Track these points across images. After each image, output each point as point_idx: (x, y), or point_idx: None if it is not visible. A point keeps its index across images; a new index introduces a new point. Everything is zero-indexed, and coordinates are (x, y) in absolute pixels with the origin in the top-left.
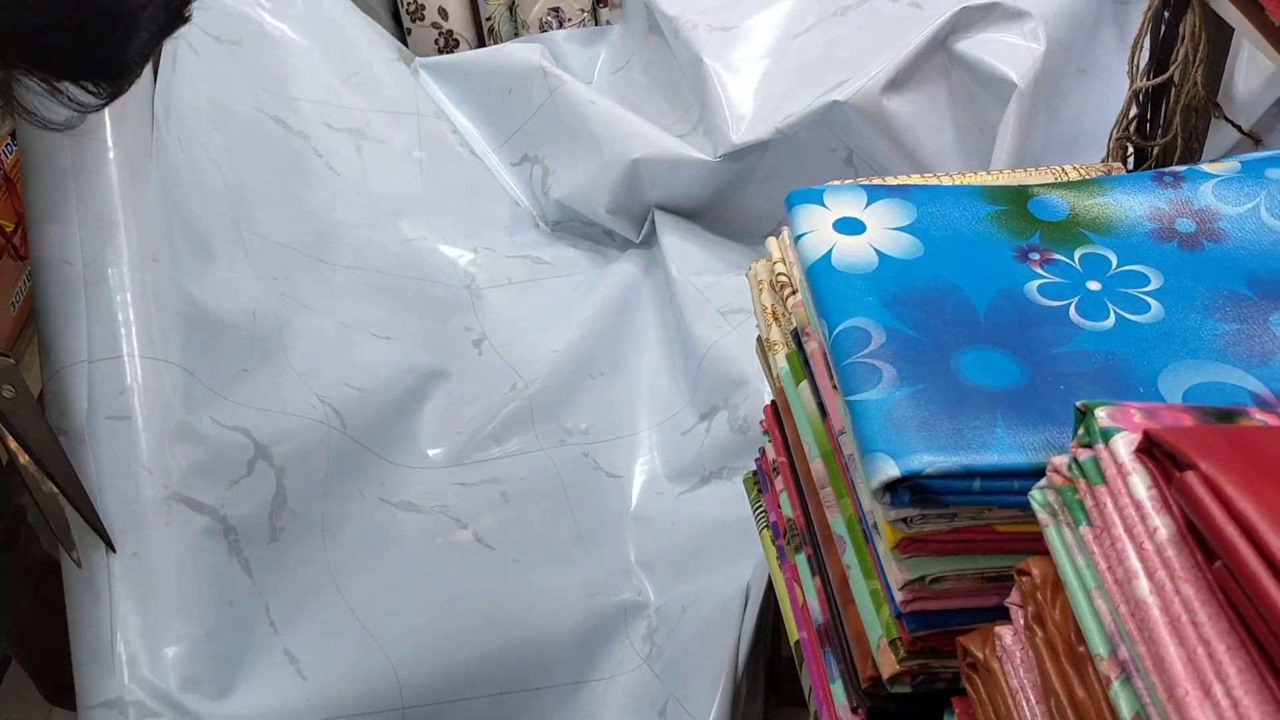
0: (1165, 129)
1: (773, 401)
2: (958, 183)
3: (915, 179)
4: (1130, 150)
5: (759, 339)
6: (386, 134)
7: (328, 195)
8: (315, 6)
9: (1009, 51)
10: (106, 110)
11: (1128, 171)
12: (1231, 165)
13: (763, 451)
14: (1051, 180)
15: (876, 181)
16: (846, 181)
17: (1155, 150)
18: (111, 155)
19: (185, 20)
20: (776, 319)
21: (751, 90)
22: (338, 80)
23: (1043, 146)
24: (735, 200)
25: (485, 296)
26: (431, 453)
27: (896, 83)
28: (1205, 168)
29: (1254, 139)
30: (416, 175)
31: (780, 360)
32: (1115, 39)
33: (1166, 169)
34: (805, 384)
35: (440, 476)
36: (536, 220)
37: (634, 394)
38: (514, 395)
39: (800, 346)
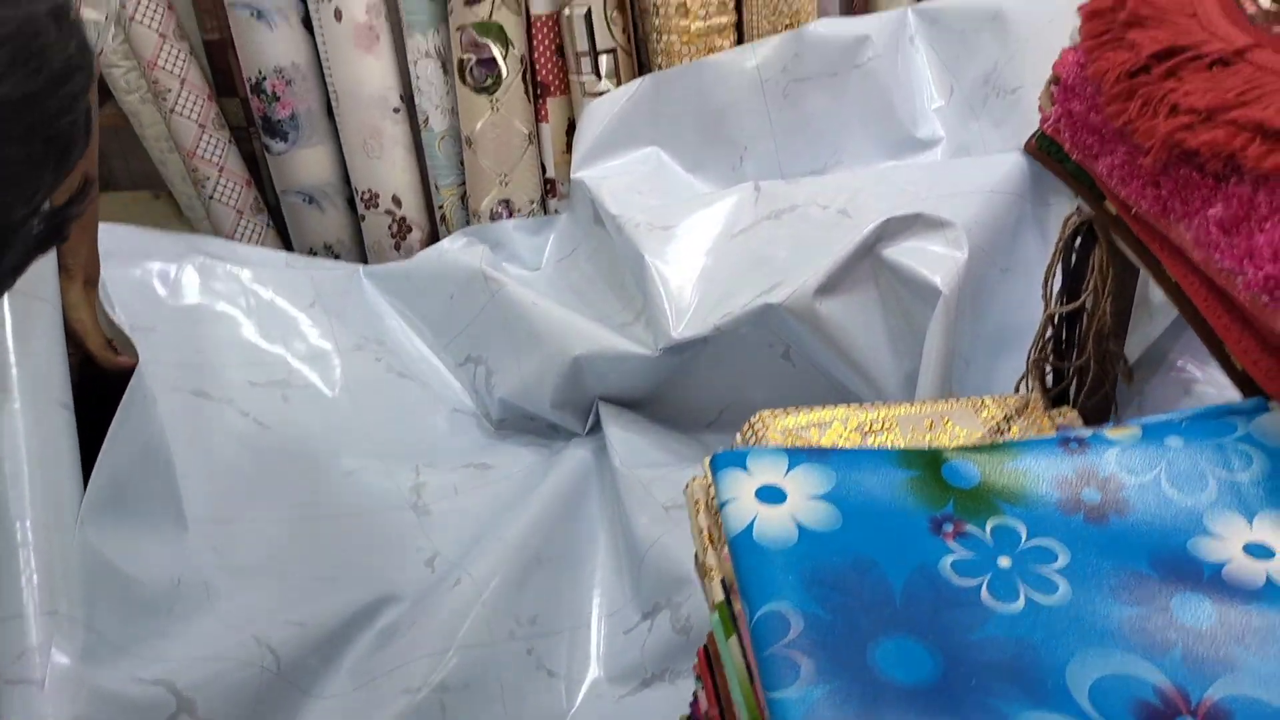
0: (1079, 351)
1: (705, 646)
2: (884, 415)
3: (841, 411)
4: (1048, 369)
5: (696, 556)
6: (312, 378)
7: (259, 449)
8: (231, 279)
9: (934, 259)
10: (14, 364)
11: (1046, 394)
12: (1133, 431)
13: (696, 696)
14: (971, 411)
15: (798, 444)
16: (768, 442)
17: (1071, 370)
18: (18, 405)
19: (64, 238)
20: (712, 541)
21: (691, 287)
22: (256, 337)
23: (971, 346)
24: (678, 391)
25: (433, 512)
26: (372, 678)
27: (828, 287)
28: (1109, 433)
29: (1128, 379)
30: (349, 408)
31: (716, 588)
32: (1038, 238)
33: (1072, 433)
34: (735, 640)
35: (381, 695)
36: (481, 420)
37: (582, 585)
38: (465, 593)
39: (729, 601)
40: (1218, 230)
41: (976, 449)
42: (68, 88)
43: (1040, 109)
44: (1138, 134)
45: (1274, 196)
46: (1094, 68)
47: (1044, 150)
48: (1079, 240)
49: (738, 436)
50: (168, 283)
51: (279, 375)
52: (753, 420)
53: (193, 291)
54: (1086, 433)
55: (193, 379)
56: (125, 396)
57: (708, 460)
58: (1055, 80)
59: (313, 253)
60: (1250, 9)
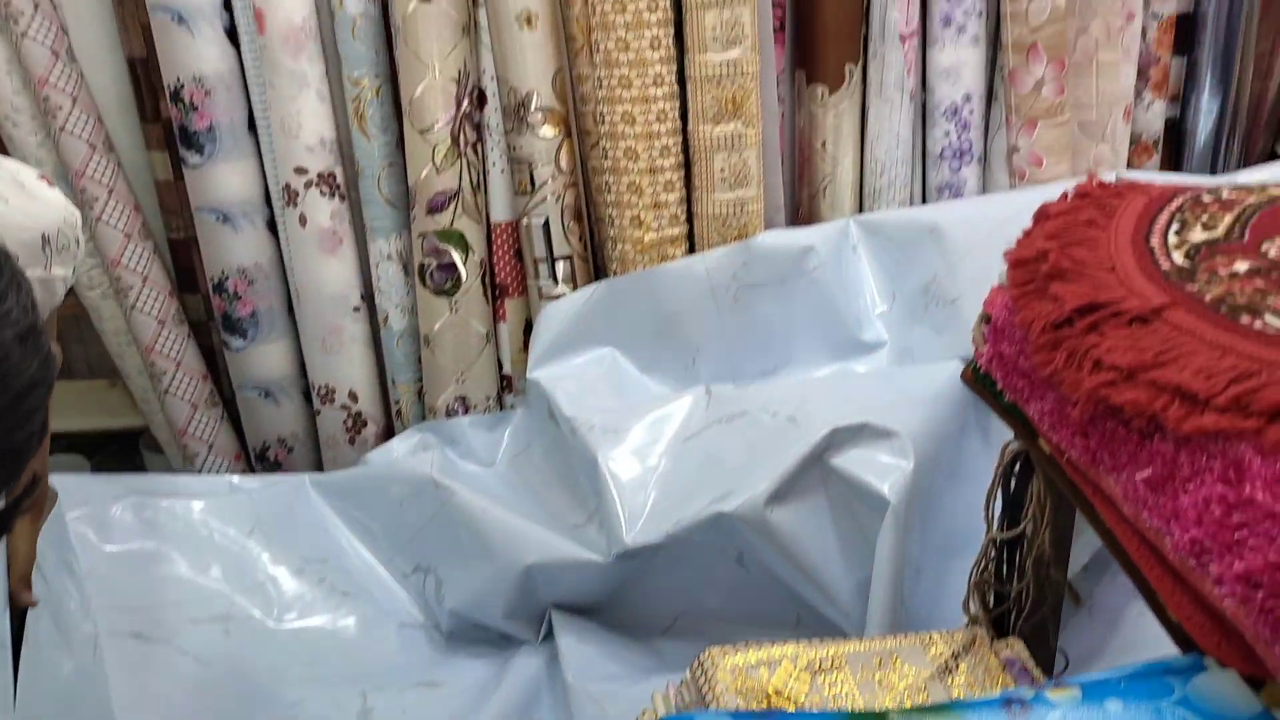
0: (1019, 576)
1: None
2: (833, 653)
3: (791, 649)
4: (990, 592)
5: None
6: (253, 609)
7: (200, 688)
8: (167, 515)
9: (881, 469)
10: None
11: (989, 614)
12: (1073, 693)
13: None
14: (920, 649)
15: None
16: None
17: (1012, 593)
18: None
19: (8, 529)
20: None
21: (644, 493)
22: (194, 573)
23: (921, 554)
24: (632, 596)
25: None
26: None
27: (779, 495)
28: (1050, 695)
29: (1075, 601)
30: (291, 637)
31: None
32: (982, 443)
33: (1015, 694)
34: None
35: None
36: (430, 632)
37: None
38: None
39: None
40: (1145, 488)
41: (923, 710)
42: (28, 403)
43: (974, 342)
44: (1064, 385)
45: (1195, 459)
46: (1020, 316)
47: (979, 383)
48: (1018, 466)
49: (686, 673)
50: (101, 527)
51: (219, 610)
52: (702, 658)
53: (127, 533)
54: (1029, 694)
55: (130, 621)
56: (26, 643)
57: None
58: (986, 319)
59: (266, 447)
60: (1164, 265)
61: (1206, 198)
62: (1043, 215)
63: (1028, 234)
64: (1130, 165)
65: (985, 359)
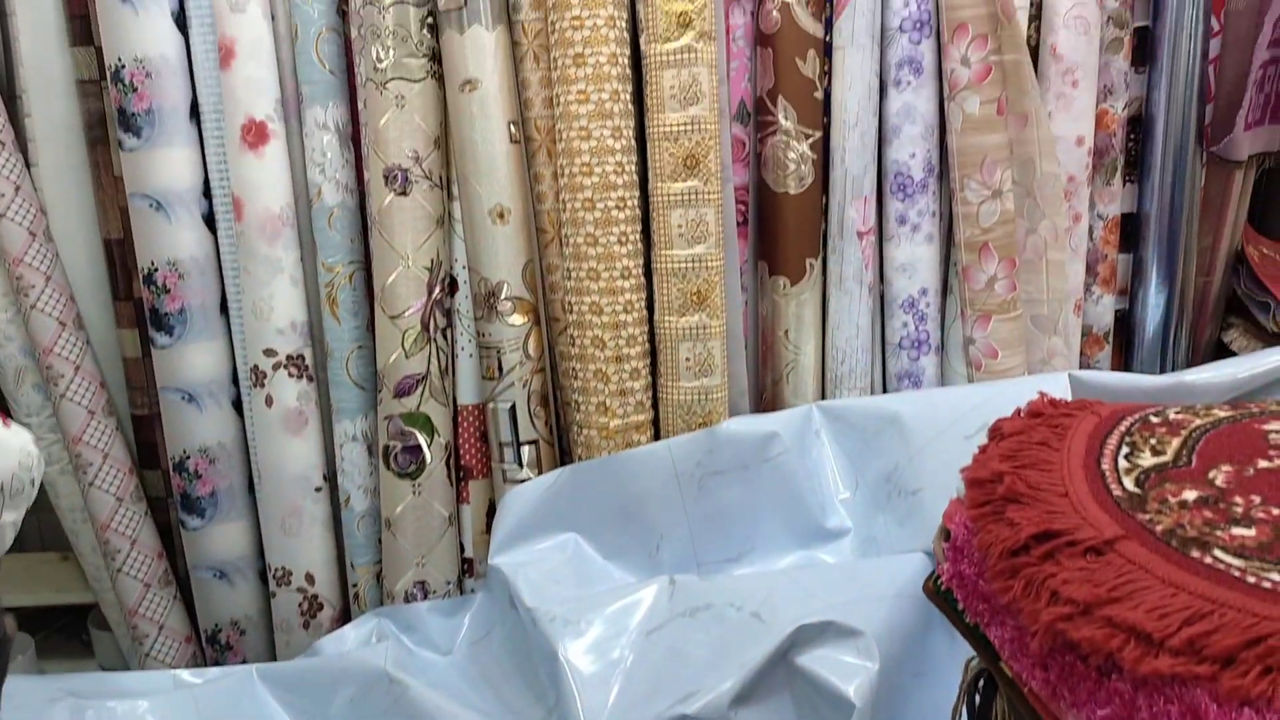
0: None
1: None
2: None
3: None
4: None
5: None
6: None
7: None
8: (113, 716)
9: (846, 670)
10: None
11: None
12: None
13: None
14: None
15: None
16: None
17: None
18: None
19: None
20: None
21: (606, 690)
22: None
23: None
24: None
25: None
26: None
27: (743, 697)
28: None
29: None
30: None
31: None
32: (947, 640)
33: None
34: None
35: None
36: None
37: None
38: None
39: None
40: None
41: None
42: None
43: (935, 554)
44: (1023, 615)
45: (1153, 700)
46: (979, 539)
47: (940, 597)
48: (981, 683)
49: None
50: None
51: None
52: None
53: None
54: None
55: None
56: None
57: None
58: (946, 535)
59: (218, 629)
60: (1116, 491)
61: (1154, 419)
62: (997, 433)
63: (984, 451)
64: (1082, 356)
65: (946, 576)
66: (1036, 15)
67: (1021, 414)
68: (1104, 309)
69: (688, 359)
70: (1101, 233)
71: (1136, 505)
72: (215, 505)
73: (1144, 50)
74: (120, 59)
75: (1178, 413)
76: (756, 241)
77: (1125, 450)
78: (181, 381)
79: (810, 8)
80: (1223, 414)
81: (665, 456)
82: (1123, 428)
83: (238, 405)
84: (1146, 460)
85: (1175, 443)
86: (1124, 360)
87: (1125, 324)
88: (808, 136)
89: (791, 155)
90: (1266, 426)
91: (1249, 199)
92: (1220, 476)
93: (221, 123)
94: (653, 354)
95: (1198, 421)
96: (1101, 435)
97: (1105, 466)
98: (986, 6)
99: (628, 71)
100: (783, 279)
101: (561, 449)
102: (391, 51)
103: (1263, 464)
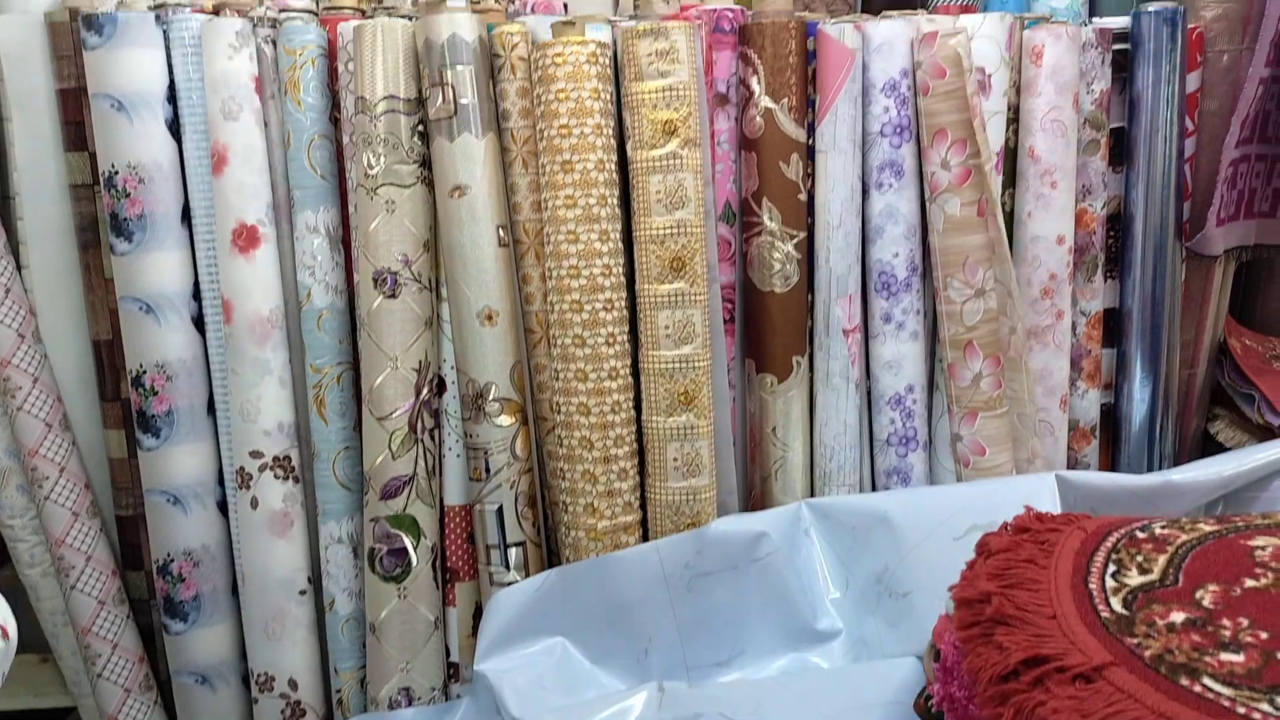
0: None
1: None
2: None
3: None
4: None
5: None
6: None
7: None
8: None
9: None
10: None
11: None
12: None
13: None
14: None
15: None
16: None
17: None
18: None
19: None
20: None
21: None
22: None
23: None
24: None
25: None
26: None
27: None
28: None
29: None
30: None
31: None
32: None
33: None
34: None
35: None
36: None
37: None
38: None
39: None
40: None
41: None
42: None
43: (925, 671)
44: None
45: None
46: (969, 663)
47: (933, 719)
48: None
49: None
50: None
51: None
52: None
53: None
54: None
55: None
56: None
57: None
58: (936, 655)
59: None
60: (1104, 612)
61: (1140, 534)
62: (984, 550)
63: (971, 568)
64: (1070, 451)
65: (938, 698)
66: (1014, 119)
67: (1008, 529)
68: (1090, 403)
69: (675, 459)
70: (1085, 328)
71: (1125, 628)
72: (199, 609)
73: (1121, 151)
74: (114, 165)
75: (1163, 527)
76: (743, 339)
77: (1112, 568)
78: (167, 484)
79: (793, 114)
80: (1208, 528)
81: (653, 558)
82: (1109, 544)
83: (223, 506)
84: (1134, 579)
85: (1162, 560)
86: (1111, 454)
87: (1111, 418)
88: (792, 237)
89: (776, 255)
90: (1252, 542)
91: (1229, 291)
92: (1208, 597)
93: (213, 226)
94: (640, 454)
95: (1184, 537)
96: (1088, 552)
97: (1093, 586)
98: (963, 114)
99: (614, 176)
100: (770, 377)
101: (549, 549)
102: (382, 158)
103: (1249, 583)
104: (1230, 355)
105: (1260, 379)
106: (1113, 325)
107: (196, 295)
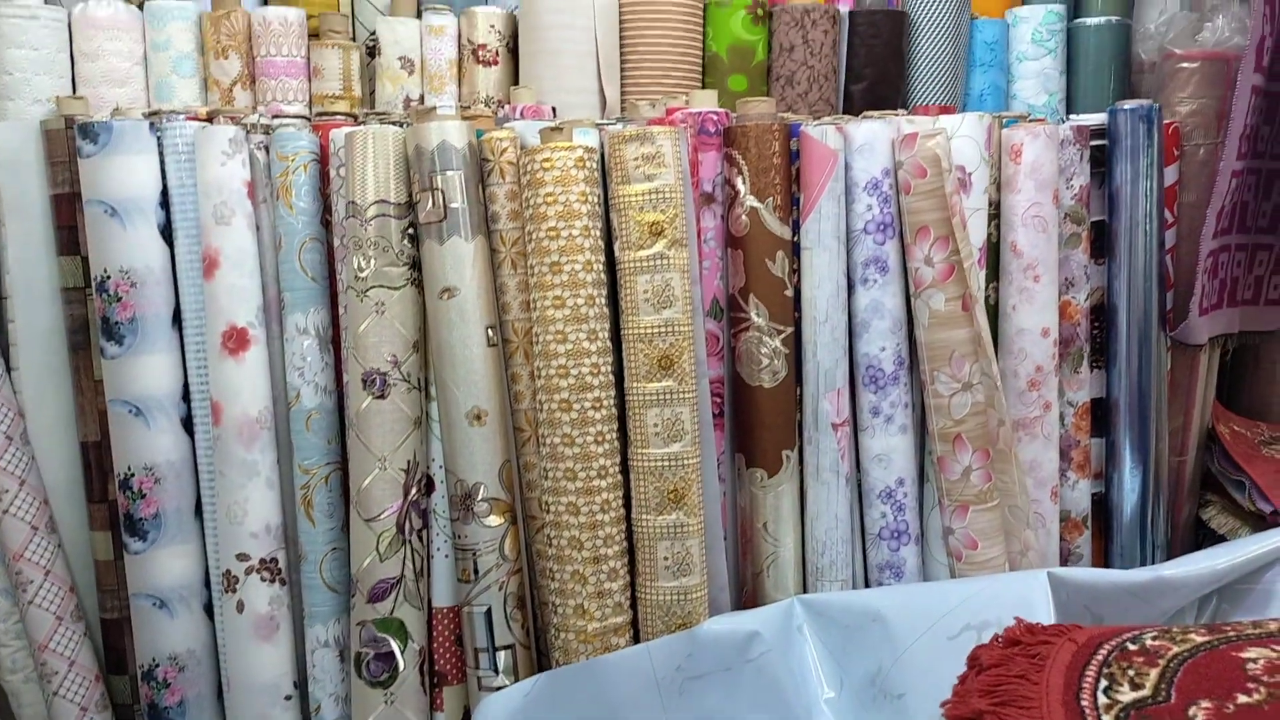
0: None
1: None
2: None
3: None
4: None
5: None
6: None
7: None
8: None
9: None
10: None
11: None
12: None
13: None
14: None
15: None
16: None
17: None
18: None
19: None
20: None
21: None
22: None
23: None
24: None
25: None
26: None
27: None
28: None
29: None
30: None
31: None
32: None
33: None
34: None
35: None
36: None
37: None
38: None
39: None
40: None
41: None
42: None
43: None
44: None
45: None
46: None
47: None
48: None
49: None
50: None
51: None
52: None
53: None
54: None
55: None
56: None
57: None
58: None
59: None
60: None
61: (1131, 646)
62: (976, 664)
63: (964, 683)
64: (1062, 542)
65: None
66: (996, 214)
67: (999, 640)
68: (1080, 494)
69: (666, 558)
70: (1073, 419)
71: None
72: (184, 715)
73: (1102, 243)
74: (106, 270)
75: (1154, 638)
76: (733, 433)
77: (1104, 684)
78: (153, 587)
79: (778, 212)
80: (1199, 639)
81: (645, 661)
82: (1100, 657)
83: (210, 609)
84: (1126, 695)
85: (1154, 675)
86: (1104, 544)
87: (1103, 507)
88: (779, 332)
89: (764, 350)
90: (1244, 654)
91: (1215, 378)
92: (1200, 714)
93: (203, 329)
94: (630, 552)
95: (1175, 649)
96: (1080, 667)
97: (1085, 703)
98: (944, 212)
99: (602, 276)
100: (760, 471)
101: (539, 650)
102: (373, 261)
103: (1242, 699)
104: (1219, 441)
105: (1250, 466)
106: (1100, 415)
107: (186, 397)
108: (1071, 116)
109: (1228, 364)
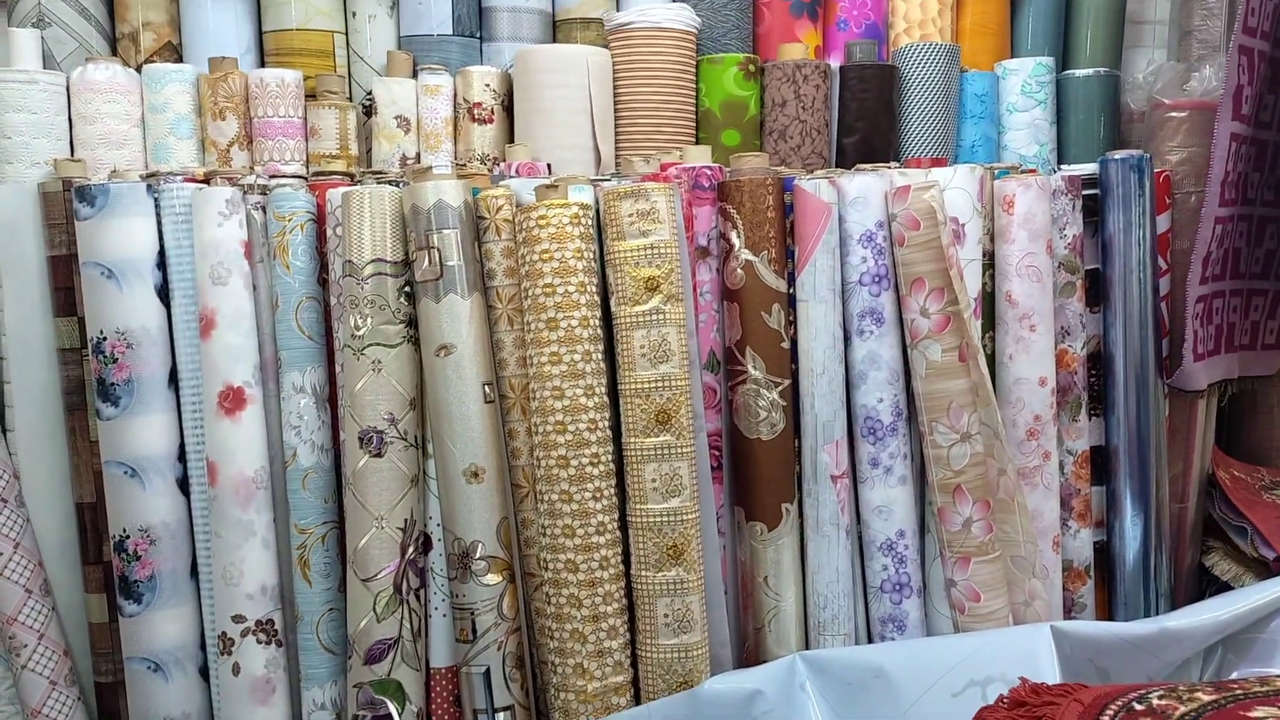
0: None
1: None
2: None
3: None
4: None
5: None
6: None
7: None
8: None
9: None
10: None
11: None
12: None
13: None
14: None
15: None
16: None
17: None
18: None
19: None
20: None
21: None
22: None
23: None
24: None
25: None
26: None
27: None
28: None
29: None
30: None
31: None
32: None
33: None
34: None
35: None
36: None
37: None
38: None
39: None
40: None
41: None
42: None
43: None
44: None
45: None
46: None
47: None
48: None
49: None
50: None
51: None
52: None
53: None
54: None
55: None
56: None
57: None
58: None
59: None
60: None
61: (1138, 706)
62: None
63: None
64: (1065, 591)
65: None
66: (990, 265)
67: (1004, 702)
68: (1082, 543)
69: (666, 615)
70: (1072, 468)
71: None
72: None
73: (1097, 291)
74: (102, 331)
75: (1160, 698)
76: (731, 486)
77: None
78: (148, 650)
79: (773, 265)
80: (1206, 698)
81: None
82: (1107, 718)
83: (205, 672)
84: None
85: None
86: (1107, 593)
87: (1105, 556)
88: (776, 384)
89: (762, 403)
90: (1252, 714)
91: (1214, 423)
92: None
93: (200, 389)
94: (630, 609)
95: (1181, 709)
96: None
97: None
98: (939, 263)
99: (599, 332)
100: (759, 525)
101: (538, 710)
102: (369, 319)
103: None
104: (1219, 487)
105: (1252, 512)
106: (1100, 463)
107: (182, 457)
108: (1063, 166)
109: (1225, 409)
